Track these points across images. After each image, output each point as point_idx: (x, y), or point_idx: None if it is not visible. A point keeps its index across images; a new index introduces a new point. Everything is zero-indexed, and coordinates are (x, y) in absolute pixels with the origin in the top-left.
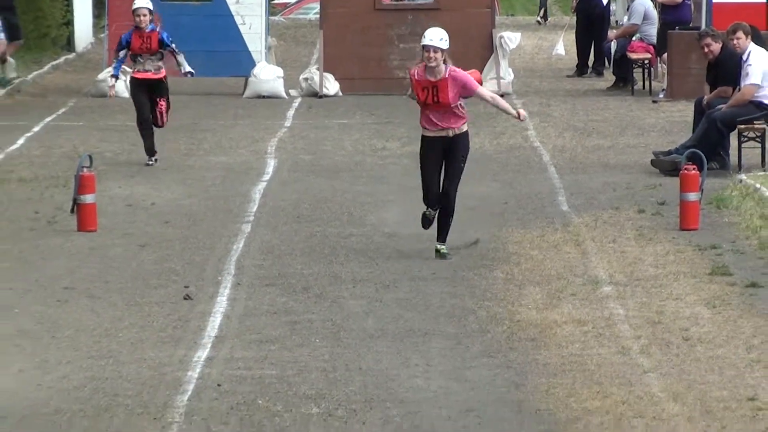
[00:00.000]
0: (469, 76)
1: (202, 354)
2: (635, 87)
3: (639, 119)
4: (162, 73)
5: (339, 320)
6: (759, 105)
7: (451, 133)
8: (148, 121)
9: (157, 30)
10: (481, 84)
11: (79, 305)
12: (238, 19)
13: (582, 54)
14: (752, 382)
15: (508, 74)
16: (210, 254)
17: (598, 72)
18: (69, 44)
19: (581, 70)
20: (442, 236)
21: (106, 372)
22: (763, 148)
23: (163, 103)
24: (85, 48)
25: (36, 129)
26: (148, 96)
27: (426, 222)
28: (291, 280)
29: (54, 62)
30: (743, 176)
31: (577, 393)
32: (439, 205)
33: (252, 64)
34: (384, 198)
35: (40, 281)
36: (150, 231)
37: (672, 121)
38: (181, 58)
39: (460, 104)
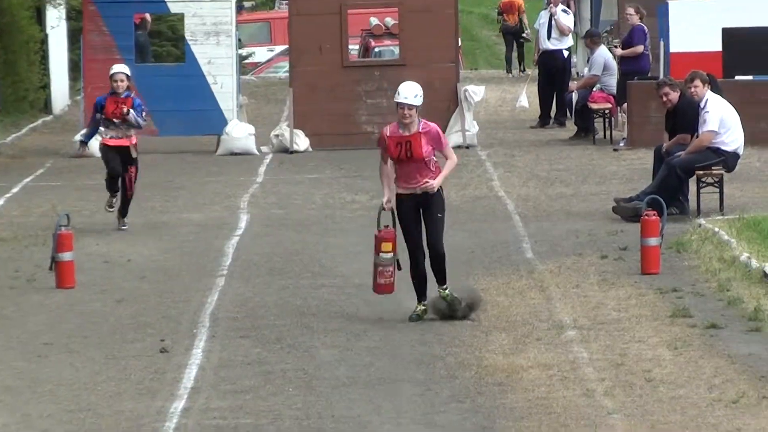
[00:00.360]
0: (441, 132)
1: (179, 405)
2: (596, 136)
3: (600, 167)
4: (133, 140)
5: (311, 369)
6: (716, 151)
7: (419, 190)
8: (118, 174)
9: (132, 96)
10: None
11: (58, 360)
12: (210, 79)
13: (544, 105)
14: (714, 421)
15: (473, 126)
16: (185, 307)
17: (560, 122)
18: (46, 107)
19: (544, 120)
20: (440, 279)
21: (85, 425)
22: (721, 193)
23: (132, 170)
24: (62, 110)
25: (15, 190)
26: (121, 162)
27: (414, 320)
28: (264, 331)
29: (32, 125)
30: (702, 221)
31: None
32: (430, 262)
33: (224, 122)
34: (354, 249)
35: (20, 337)
36: (126, 286)
37: (632, 169)
38: (137, 117)
39: (434, 159)
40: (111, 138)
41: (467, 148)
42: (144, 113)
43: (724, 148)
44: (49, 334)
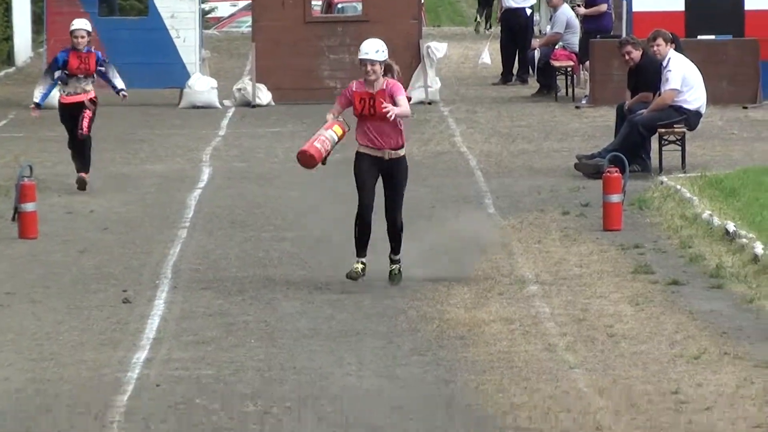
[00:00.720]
0: (402, 89)
1: (141, 355)
2: (558, 94)
3: (562, 124)
4: (91, 94)
5: (273, 321)
6: (678, 109)
7: (386, 156)
8: (78, 146)
9: (94, 51)
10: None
11: (20, 310)
12: (172, 33)
13: (507, 62)
14: (675, 377)
15: (435, 83)
16: (147, 259)
17: (523, 80)
18: (9, 59)
19: (506, 78)
20: (394, 248)
21: (47, 374)
22: (683, 150)
23: (87, 113)
24: (25, 62)
25: None
26: (77, 118)
27: (353, 277)
28: (226, 283)
29: None
30: (664, 178)
31: (506, 389)
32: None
33: (187, 75)
34: (315, 203)
35: None
36: (89, 237)
37: (594, 126)
38: (115, 78)
39: (400, 121)
40: (68, 95)
41: (429, 104)
42: (109, 63)
43: (686, 106)
44: (11, 283)
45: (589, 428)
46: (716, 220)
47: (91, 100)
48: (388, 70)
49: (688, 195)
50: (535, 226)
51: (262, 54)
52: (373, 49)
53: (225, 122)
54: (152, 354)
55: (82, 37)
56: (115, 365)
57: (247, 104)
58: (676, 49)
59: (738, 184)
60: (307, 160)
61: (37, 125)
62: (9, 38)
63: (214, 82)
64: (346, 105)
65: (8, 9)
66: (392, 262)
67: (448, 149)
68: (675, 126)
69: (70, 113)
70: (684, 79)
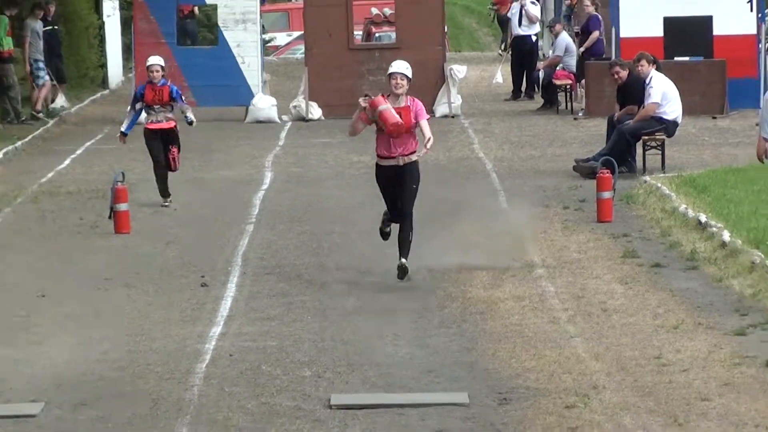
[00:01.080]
0: (425, 112)
1: (216, 330)
2: (559, 107)
3: (563, 133)
4: (172, 123)
5: (325, 300)
6: (659, 120)
7: (401, 162)
8: (164, 172)
9: (168, 84)
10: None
11: (117, 293)
12: (239, 59)
13: (516, 81)
14: (657, 344)
15: (457, 99)
16: (221, 250)
17: (530, 96)
18: (104, 83)
19: (516, 94)
20: (404, 253)
21: (140, 346)
22: (662, 154)
23: (174, 149)
24: (117, 85)
25: (79, 152)
26: (163, 144)
27: (384, 236)
28: (286, 269)
29: (92, 97)
30: (647, 178)
31: (518, 355)
32: (398, 222)
33: (251, 95)
34: (359, 201)
35: (85, 274)
36: (173, 232)
37: (589, 134)
38: (186, 109)
39: (414, 133)
40: (152, 122)
41: (452, 117)
42: (182, 96)
43: (665, 117)
44: (109, 271)
45: (587, 387)
46: (690, 213)
47: (172, 129)
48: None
49: (667, 192)
50: (541, 218)
51: (313, 76)
52: (404, 66)
53: (283, 134)
54: (225, 329)
55: (157, 71)
56: (195, 338)
57: (302, 119)
58: (657, 69)
59: (708, 183)
60: (400, 127)
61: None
62: (104, 65)
63: (273, 101)
64: (368, 121)
65: (102, 40)
66: (401, 262)
67: (468, 155)
68: (656, 134)
69: (154, 138)
70: (664, 94)
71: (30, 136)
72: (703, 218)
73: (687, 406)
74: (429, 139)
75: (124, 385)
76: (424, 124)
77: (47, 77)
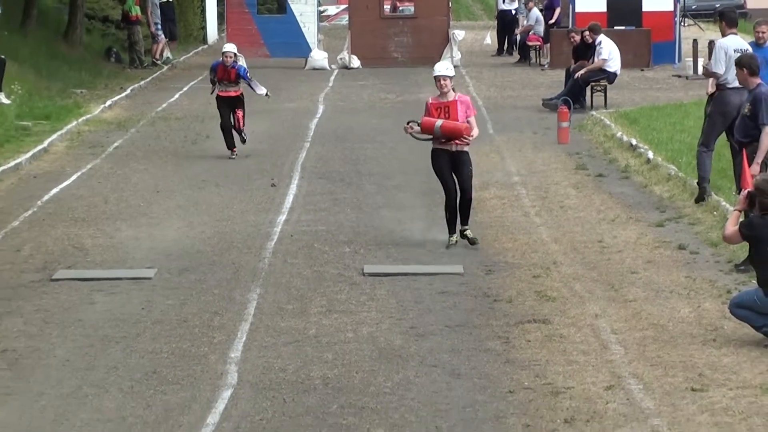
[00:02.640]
0: (473, 108)
1: (282, 218)
2: (531, 62)
3: (533, 80)
4: (239, 91)
5: (361, 197)
6: (604, 71)
7: (454, 149)
8: (228, 126)
9: (236, 67)
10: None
11: (210, 191)
12: (301, 24)
13: (500, 43)
14: (600, 232)
15: (457, 54)
16: (286, 159)
17: (510, 53)
18: (204, 40)
19: (499, 52)
20: (465, 220)
21: (226, 228)
22: (605, 96)
23: (240, 112)
24: (213, 41)
25: (185, 89)
26: (229, 107)
27: (448, 246)
28: (333, 174)
29: (195, 50)
30: (594, 112)
31: (499, 239)
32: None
33: (309, 50)
34: (386, 126)
35: (188, 176)
36: (251, 147)
37: (552, 81)
38: (255, 85)
39: (467, 122)
40: (222, 91)
41: (455, 67)
42: (247, 73)
43: (608, 69)
44: (205, 174)
45: (549, 262)
46: (625, 138)
47: (238, 97)
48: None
49: (608, 123)
50: (517, 140)
51: (354, 37)
52: (445, 67)
53: (332, 78)
54: (288, 217)
55: (230, 56)
56: (267, 224)
57: (345, 67)
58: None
59: (638, 116)
60: (457, 130)
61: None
62: (204, 27)
63: (325, 54)
64: (428, 114)
65: (203, 9)
66: (462, 231)
67: (466, 94)
68: (601, 81)
69: (223, 103)
70: (609, 53)
71: (150, 78)
72: (633, 142)
73: (620, 277)
74: (473, 134)
75: (214, 256)
76: (473, 121)
77: (163, 35)
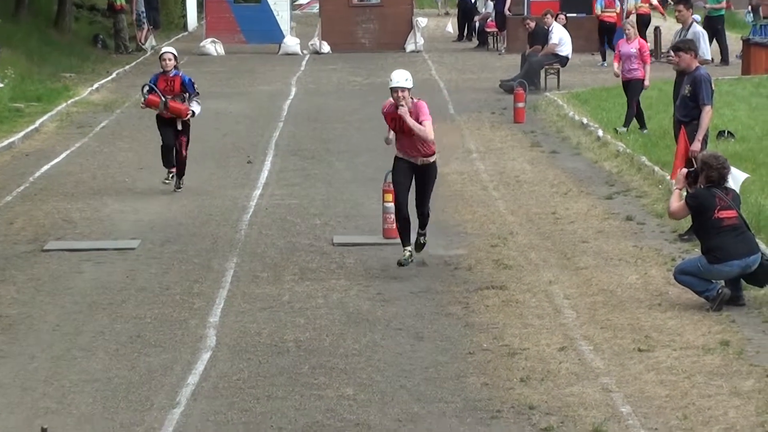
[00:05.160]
0: (427, 111)
1: (257, 192)
2: (489, 47)
3: (491, 63)
4: (187, 112)
5: (331, 173)
6: (557, 55)
7: (419, 162)
8: (169, 148)
9: (180, 74)
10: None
11: (190, 167)
12: (275, 12)
13: (461, 29)
14: (553, 204)
15: (420, 40)
16: (261, 138)
17: (469, 39)
18: (184, 27)
19: (460, 38)
20: (422, 226)
21: (205, 203)
22: (558, 78)
23: (183, 139)
24: (193, 29)
25: None
26: (173, 130)
27: (403, 263)
28: (304, 151)
29: (176, 37)
30: (548, 94)
31: (459, 211)
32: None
33: (282, 36)
34: (354, 107)
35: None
36: (228, 127)
37: (509, 65)
38: (192, 103)
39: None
40: (165, 110)
41: (417, 52)
42: (194, 85)
43: (561, 53)
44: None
45: (506, 233)
46: (576, 117)
47: (184, 122)
48: None
49: (561, 103)
50: (476, 120)
51: (325, 24)
52: (403, 78)
53: (304, 62)
54: (263, 191)
55: (169, 59)
56: (243, 198)
57: (316, 53)
58: (556, 20)
59: (588, 97)
60: (392, 237)
61: (199, 64)
62: (184, 15)
63: (297, 40)
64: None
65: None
66: (419, 235)
67: (428, 77)
68: (554, 64)
69: (164, 124)
70: (561, 39)
71: (134, 63)
72: (584, 120)
73: (573, 246)
74: (422, 131)
75: (194, 228)
76: (428, 125)
77: (146, 23)
